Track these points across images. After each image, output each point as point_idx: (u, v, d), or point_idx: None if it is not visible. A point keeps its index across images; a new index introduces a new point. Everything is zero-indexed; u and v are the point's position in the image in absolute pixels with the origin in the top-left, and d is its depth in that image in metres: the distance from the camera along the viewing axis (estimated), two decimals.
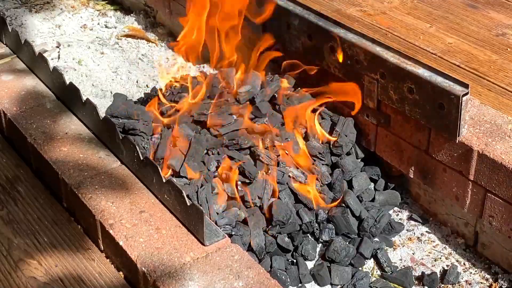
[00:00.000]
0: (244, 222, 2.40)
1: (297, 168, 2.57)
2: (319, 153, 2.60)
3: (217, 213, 2.37)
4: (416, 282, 2.35)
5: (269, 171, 2.51)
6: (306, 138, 2.65)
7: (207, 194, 2.40)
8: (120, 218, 1.96)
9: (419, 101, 2.34)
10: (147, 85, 3.31)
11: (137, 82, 3.34)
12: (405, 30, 2.89)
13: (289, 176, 2.52)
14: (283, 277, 2.28)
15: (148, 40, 3.67)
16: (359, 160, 2.70)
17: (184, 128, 2.54)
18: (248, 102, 2.65)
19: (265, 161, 2.51)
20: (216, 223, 2.28)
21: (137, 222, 1.95)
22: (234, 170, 2.44)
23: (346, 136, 2.64)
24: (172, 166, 2.42)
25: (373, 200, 2.61)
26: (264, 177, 2.47)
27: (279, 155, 2.53)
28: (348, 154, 2.66)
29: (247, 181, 2.45)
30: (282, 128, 2.59)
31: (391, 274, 2.34)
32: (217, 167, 2.48)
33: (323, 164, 2.60)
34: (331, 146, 2.63)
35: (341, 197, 2.55)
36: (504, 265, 2.38)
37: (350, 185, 2.60)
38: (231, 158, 2.50)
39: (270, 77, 2.81)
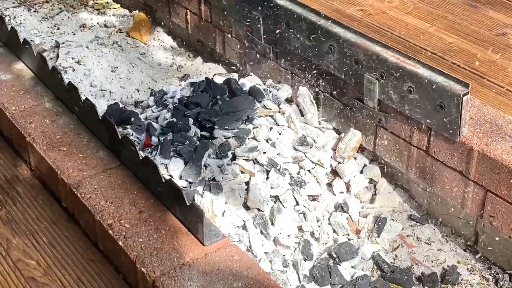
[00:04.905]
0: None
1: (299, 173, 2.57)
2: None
3: (216, 215, 2.37)
4: (416, 282, 2.34)
5: (271, 175, 2.51)
6: (305, 141, 2.65)
7: (207, 195, 2.40)
8: (119, 218, 1.95)
9: (419, 101, 2.33)
10: (148, 86, 3.31)
11: (135, 81, 3.33)
12: (405, 30, 2.88)
13: (291, 178, 2.52)
14: (283, 277, 2.28)
15: (142, 41, 3.66)
16: (359, 160, 2.69)
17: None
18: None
19: (268, 167, 2.51)
20: (216, 224, 2.28)
21: (136, 222, 1.94)
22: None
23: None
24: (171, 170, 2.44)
25: (372, 201, 2.61)
26: (265, 180, 2.48)
27: (284, 162, 2.54)
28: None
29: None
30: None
31: (391, 274, 2.34)
32: (221, 170, 2.49)
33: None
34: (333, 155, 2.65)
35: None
36: (504, 265, 2.37)
37: (350, 186, 2.60)
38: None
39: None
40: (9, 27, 2.79)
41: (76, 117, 2.39)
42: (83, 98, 2.32)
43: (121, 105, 3.00)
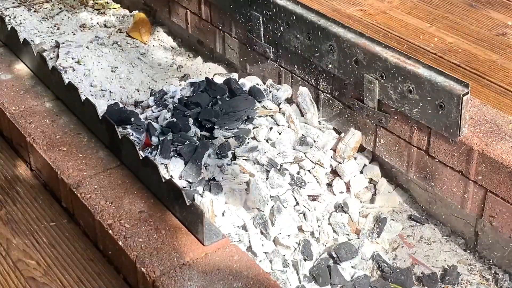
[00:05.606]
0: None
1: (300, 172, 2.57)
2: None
3: (216, 215, 2.37)
4: (416, 282, 2.34)
5: (271, 175, 2.51)
6: (305, 141, 2.65)
7: (207, 195, 2.40)
8: (119, 218, 1.95)
9: (419, 101, 2.33)
10: (148, 86, 3.31)
11: (135, 81, 3.33)
12: (405, 30, 2.88)
13: (291, 178, 2.51)
14: (283, 277, 2.28)
15: (142, 41, 3.66)
16: (359, 160, 2.69)
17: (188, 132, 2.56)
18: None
19: (268, 167, 2.51)
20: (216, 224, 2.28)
21: (136, 222, 1.94)
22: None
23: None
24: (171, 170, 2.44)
25: (372, 201, 2.61)
26: (265, 180, 2.47)
27: (284, 162, 2.54)
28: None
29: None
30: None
31: (391, 274, 2.34)
32: (221, 170, 2.49)
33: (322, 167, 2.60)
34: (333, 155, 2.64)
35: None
36: (504, 265, 2.37)
37: (350, 186, 2.60)
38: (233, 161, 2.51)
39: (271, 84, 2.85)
40: (9, 27, 2.79)
41: (76, 117, 2.39)
42: (83, 98, 2.32)
43: (121, 105, 3.00)
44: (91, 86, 3.28)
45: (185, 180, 2.47)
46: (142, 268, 1.81)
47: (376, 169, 2.66)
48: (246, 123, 2.68)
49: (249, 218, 2.40)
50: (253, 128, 2.67)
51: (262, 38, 2.92)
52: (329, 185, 2.61)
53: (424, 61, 2.37)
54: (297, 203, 2.47)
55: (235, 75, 3.08)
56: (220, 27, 3.23)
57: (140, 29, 3.71)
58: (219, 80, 2.96)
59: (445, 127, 2.28)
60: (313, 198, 2.52)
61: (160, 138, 2.61)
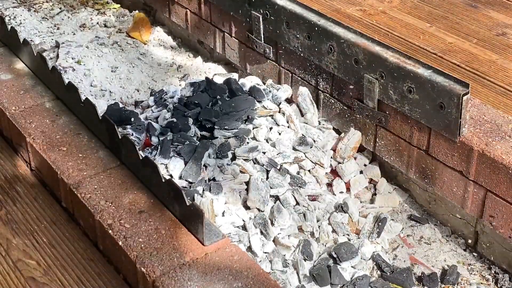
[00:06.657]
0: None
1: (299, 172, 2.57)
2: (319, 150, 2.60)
3: (216, 215, 2.37)
4: (416, 282, 2.34)
5: (271, 175, 2.51)
6: (305, 141, 2.65)
7: (207, 195, 2.40)
8: (119, 218, 1.95)
9: (419, 101, 2.33)
10: (148, 86, 3.31)
11: (135, 81, 3.33)
12: (405, 30, 2.88)
13: (291, 178, 2.51)
14: (283, 277, 2.28)
15: (142, 41, 3.66)
16: (359, 160, 2.69)
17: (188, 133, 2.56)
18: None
19: (268, 167, 2.51)
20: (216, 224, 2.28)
21: (136, 222, 1.94)
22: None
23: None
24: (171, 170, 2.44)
25: (372, 201, 2.61)
26: (265, 180, 2.47)
27: (284, 162, 2.54)
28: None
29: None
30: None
31: (390, 274, 2.34)
32: (221, 170, 2.49)
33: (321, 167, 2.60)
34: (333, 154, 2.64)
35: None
36: (504, 265, 2.37)
37: (350, 186, 2.60)
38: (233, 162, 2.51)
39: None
40: (9, 27, 2.78)
41: (76, 117, 2.39)
42: (83, 98, 2.32)
43: (121, 105, 3.00)
44: (91, 86, 3.28)
45: (185, 180, 2.47)
46: (142, 268, 1.81)
47: (376, 169, 2.66)
48: (246, 123, 2.68)
49: (249, 218, 2.40)
50: (253, 128, 2.67)
51: (262, 38, 2.92)
52: (329, 185, 2.61)
53: (424, 61, 2.37)
54: (297, 203, 2.47)
55: (235, 75, 3.08)
56: (220, 27, 3.24)
57: (140, 29, 3.71)
58: (219, 80, 2.96)
59: (445, 127, 2.28)
60: (313, 198, 2.52)
61: (160, 138, 2.62)
